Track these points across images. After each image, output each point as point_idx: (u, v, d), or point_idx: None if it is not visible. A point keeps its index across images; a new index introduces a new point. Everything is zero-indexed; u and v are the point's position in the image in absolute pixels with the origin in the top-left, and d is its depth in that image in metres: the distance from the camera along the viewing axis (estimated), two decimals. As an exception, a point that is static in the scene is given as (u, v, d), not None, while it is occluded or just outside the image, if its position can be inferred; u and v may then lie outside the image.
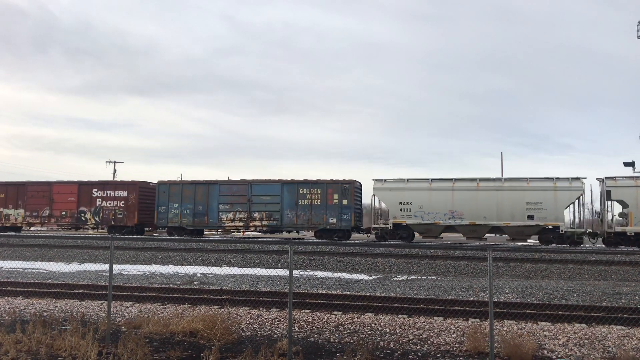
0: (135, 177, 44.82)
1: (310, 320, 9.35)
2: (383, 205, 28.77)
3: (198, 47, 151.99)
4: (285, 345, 7.12)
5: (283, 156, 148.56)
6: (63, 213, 31.91)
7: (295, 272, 16.37)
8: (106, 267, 17.94)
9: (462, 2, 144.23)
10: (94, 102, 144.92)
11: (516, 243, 26.42)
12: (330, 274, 16.75)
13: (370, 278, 16.03)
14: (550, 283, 14.84)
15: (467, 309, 10.11)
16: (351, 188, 28.02)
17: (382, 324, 9.09)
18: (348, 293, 12.09)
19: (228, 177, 31.67)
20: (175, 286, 13.15)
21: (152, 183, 32.13)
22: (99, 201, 31.38)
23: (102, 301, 10.96)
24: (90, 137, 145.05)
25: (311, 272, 17.31)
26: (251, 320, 9.30)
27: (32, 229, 35.94)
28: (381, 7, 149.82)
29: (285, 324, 8.93)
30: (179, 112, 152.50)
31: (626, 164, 38.67)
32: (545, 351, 7.42)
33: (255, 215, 29.05)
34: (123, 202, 31.05)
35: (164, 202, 30.22)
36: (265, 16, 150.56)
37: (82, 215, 31.60)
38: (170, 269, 17.87)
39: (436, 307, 10.24)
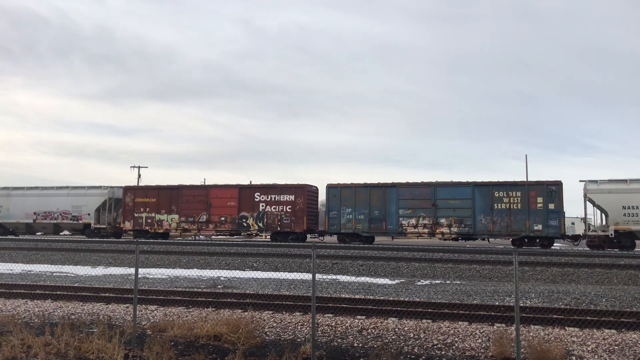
0: (159, 182, 45.04)
1: (333, 324, 9.34)
2: (593, 209, 26.19)
3: (215, 51, 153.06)
4: (308, 349, 7.12)
5: (303, 160, 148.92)
6: (222, 218, 29.97)
7: (317, 276, 16.35)
8: (131, 270, 18.19)
9: (480, 2, 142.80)
10: (115, 108, 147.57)
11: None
12: (352, 278, 16.70)
13: (393, 282, 15.94)
14: (578, 287, 14.55)
15: (492, 313, 9.98)
16: (558, 190, 25.36)
17: (405, 328, 9.02)
18: (371, 297, 12.05)
19: (250, 181, 31.32)
20: (199, 290, 13.27)
21: (314, 186, 30.63)
22: (263, 206, 29.40)
23: (127, 304, 11.13)
24: (112, 142, 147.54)
25: (334, 276, 17.30)
26: (274, 324, 9.33)
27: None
28: (398, 7, 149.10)
29: (308, 328, 8.93)
30: (198, 117, 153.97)
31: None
32: (574, 357, 7.27)
33: (442, 221, 26.63)
34: (289, 206, 29.01)
35: (335, 207, 28.12)
36: (281, 19, 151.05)
37: (244, 220, 29.62)
38: (194, 272, 18.03)
39: (461, 311, 10.13)
